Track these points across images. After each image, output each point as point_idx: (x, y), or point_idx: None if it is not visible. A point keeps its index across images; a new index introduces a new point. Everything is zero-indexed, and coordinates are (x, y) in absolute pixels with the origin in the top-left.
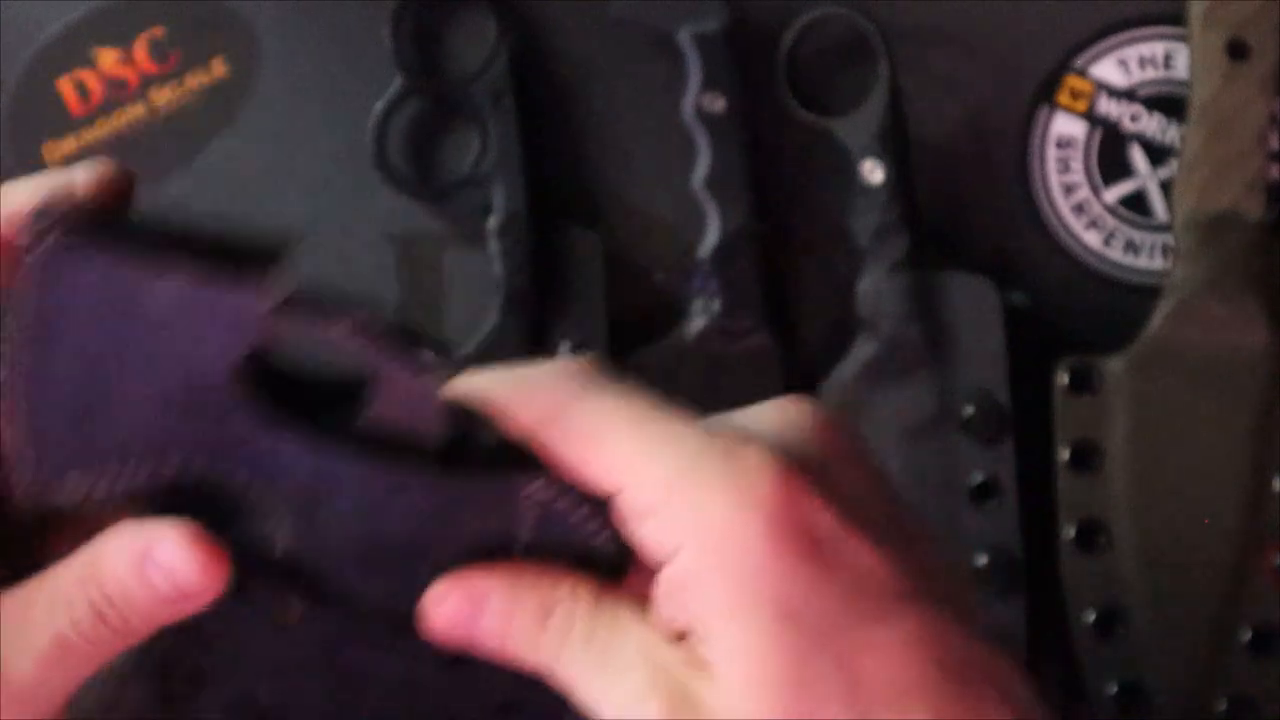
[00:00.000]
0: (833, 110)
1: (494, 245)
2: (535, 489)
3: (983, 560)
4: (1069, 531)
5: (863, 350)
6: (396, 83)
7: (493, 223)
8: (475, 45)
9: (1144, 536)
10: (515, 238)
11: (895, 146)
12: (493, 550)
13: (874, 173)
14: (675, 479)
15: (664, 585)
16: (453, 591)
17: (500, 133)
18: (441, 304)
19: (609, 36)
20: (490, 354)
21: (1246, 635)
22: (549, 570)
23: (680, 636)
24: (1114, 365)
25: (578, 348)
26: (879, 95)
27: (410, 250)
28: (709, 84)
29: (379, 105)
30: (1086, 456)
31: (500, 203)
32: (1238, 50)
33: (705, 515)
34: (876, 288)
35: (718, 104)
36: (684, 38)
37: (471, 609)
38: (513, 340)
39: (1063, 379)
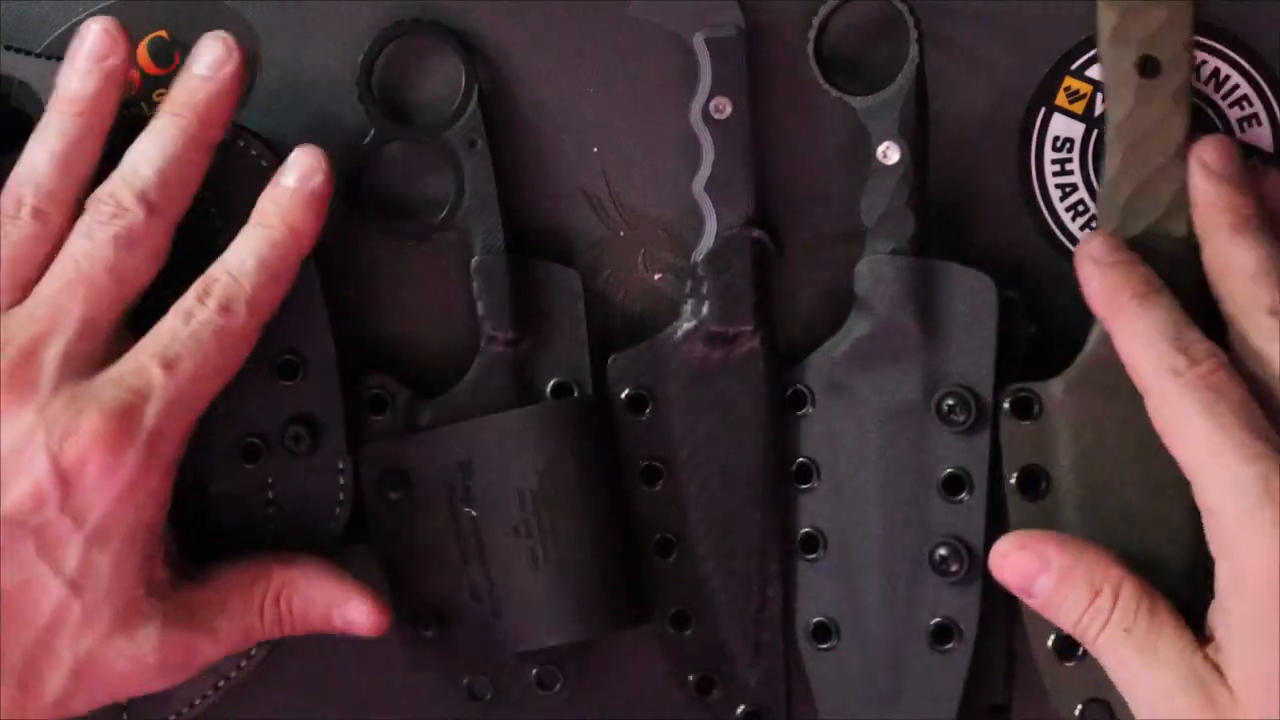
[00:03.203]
0: (855, 90)
1: (475, 285)
2: None
3: (942, 551)
4: None
5: (854, 328)
6: (369, 134)
7: (473, 263)
8: (447, 89)
9: None
10: (495, 277)
11: (915, 130)
12: None
13: (890, 154)
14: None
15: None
16: (1020, 550)
17: (475, 177)
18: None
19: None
20: (477, 390)
21: None
22: (1105, 555)
23: (1209, 639)
24: (1054, 389)
25: (561, 386)
26: (905, 77)
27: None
28: (718, 89)
29: (353, 159)
30: (1034, 483)
31: (479, 244)
32: (1148, 67)
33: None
34: (875, 268)
35: (726, 109)
36: (698, 42)
37: (1033, 570)
38: (497, 377)
39: (1005, 406)
